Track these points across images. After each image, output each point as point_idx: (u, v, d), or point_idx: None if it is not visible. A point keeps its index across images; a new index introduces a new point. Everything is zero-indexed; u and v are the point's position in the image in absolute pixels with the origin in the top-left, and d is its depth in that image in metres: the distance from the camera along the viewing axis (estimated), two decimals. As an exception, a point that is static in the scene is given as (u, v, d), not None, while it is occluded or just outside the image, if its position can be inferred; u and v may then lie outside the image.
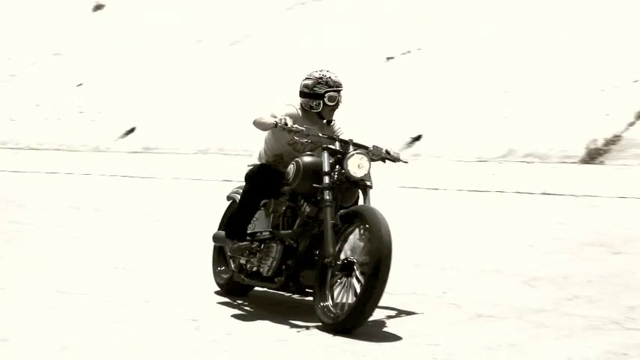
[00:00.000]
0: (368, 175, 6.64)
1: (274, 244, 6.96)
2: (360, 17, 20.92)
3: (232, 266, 7.47)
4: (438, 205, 11.78)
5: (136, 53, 24.21)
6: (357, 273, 6.30)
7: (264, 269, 7.00)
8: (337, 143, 6.82)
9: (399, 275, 7.36)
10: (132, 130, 20.86)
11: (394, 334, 6.29)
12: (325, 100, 7.04)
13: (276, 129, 6.84)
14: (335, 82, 7.07)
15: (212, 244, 7.80)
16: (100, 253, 9.27)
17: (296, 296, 7.28)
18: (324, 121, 7.13)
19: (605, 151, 13.14)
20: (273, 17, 23.01)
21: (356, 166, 6.60)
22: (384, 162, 7.06)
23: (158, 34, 24.68)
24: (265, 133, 7.21)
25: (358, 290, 6.24)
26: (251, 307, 7.19)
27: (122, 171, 17.33)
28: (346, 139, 6.90)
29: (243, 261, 7.24)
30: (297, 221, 6.86)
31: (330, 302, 6.42)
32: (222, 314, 6.88)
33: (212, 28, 23.76)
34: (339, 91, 7.09)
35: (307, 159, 6.81)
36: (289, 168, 6.89)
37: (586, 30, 16.33)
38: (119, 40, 25.36)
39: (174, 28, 24.59)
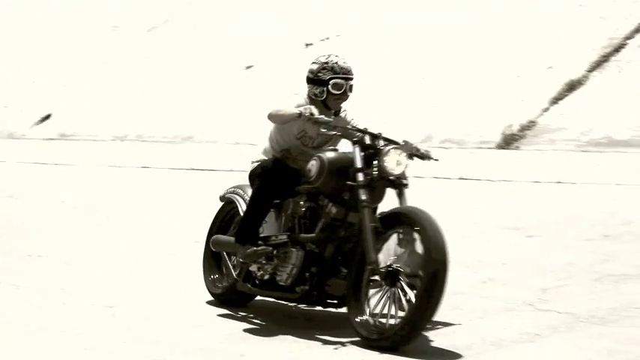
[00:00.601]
0: (404, 173, 6.05)
1: (294, 250, 6.23)
2: (279, 3, 20.87)
3: (234, 274, 6.69)
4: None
5: (52, 38, 23.83)
6: (404, 284, 5.64)
7: (282, 277, 6.26)
8: (367, 137, 6.13)
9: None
10: (47, 117, 20.54)
11: (315, 323, 6.30)
12: (329, 87, 6.34)
13: (299, 119, 6.13)
14: (342, 68, 6.38)
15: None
16: (14, 241, 9.11)
17: (303, 306, 6.61)
18: (332, 111, 6.45)
19: (521, 137, 13.31)
20: (191, 3, 22.83)
21: (394, 162, 5.95)
22: (412, 159, 6.31)
23: (74, 18, 24.31)
24: (271, 127, 6.54)
25: (404, 302, 5.61)
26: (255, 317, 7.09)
27: (38, 158, 17.06)
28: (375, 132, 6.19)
29: (254, 268, 6.49)
30: (320, 224, 6.13)
31: (367, 315, 5.78)
32: (138, 301, 6.82)
33: (129, 14, 23.48)
34: (347, 79, 6.37)
35: (331, 154, 6.14)
36: (311, 164, 6.17)
37: (502, 16, 16.52)
38: (34, 24, 24.93)
39: (91, 13, 24.24)
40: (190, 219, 10.12)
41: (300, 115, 6.10)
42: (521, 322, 6.13)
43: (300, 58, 18.43)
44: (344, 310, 6.06)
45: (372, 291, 5.82)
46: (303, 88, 6.58)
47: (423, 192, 11.61)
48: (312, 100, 6.42)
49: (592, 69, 14.19)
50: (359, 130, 6.22)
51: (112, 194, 12.61)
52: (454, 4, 17.70)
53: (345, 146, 6.35)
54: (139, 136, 18.05)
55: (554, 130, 13.19)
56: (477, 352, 5.55)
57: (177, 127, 17.72)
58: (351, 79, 6.41)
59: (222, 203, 7.05)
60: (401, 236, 5.73)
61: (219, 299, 6.85)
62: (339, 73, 6.36)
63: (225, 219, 7.01)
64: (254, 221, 6.40)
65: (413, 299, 5.55)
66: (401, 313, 5.59)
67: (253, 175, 6.53)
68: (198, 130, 17.25)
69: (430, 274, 5.45)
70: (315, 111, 6.10)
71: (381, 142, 6.09)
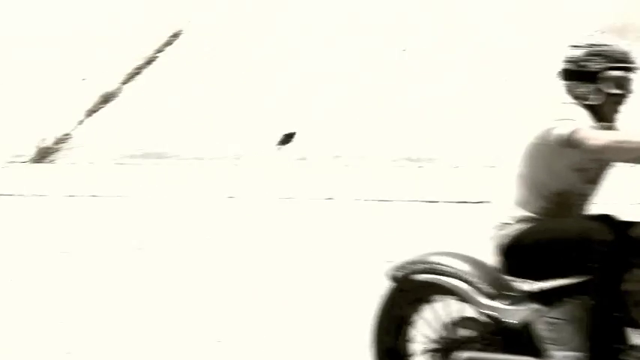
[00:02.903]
0: None
1: None
2: None
3: None
4: None
5: None
6: None
7: None
8: None
9: None
10: None
11: None
12: (604, 85, 4.15)
13: None
14: (622, 54, 4.19)
15: None
16: None
17: None
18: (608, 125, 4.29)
19: (56, 150, 13.16)
20: None
21: None
22: None
23: None
24: (529, 160, 4.25)
25: None
26: None
27: None
28: None
29: None
30: None
31: None
32: None
33: None
34: (631, 71, 4.23)
35: None
36: None
37: (89, 26, 16.07)
38: None
39: None
40: None
41: None
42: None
43: None
44: None
45: None
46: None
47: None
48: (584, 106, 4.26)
49: (125, 81, 14.33)
50: None
51: None
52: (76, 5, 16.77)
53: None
54: None
55: (89, 143, 13.17)
56: None
57: None
58: (634, 71, 4.29)
59: (394, 286, 4.47)
60: None
61: None
62: (620, 62, 4.17)
63: (398, 314, 4.49)
64: (616, 324, 4.10)
65: None
66: None
67: (521, 249, 4.27)
68: None
69: None
70: None
71: None
